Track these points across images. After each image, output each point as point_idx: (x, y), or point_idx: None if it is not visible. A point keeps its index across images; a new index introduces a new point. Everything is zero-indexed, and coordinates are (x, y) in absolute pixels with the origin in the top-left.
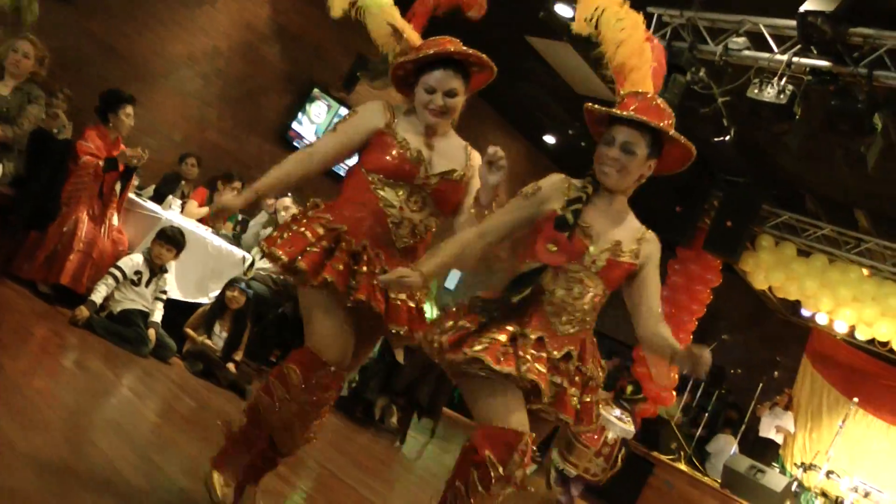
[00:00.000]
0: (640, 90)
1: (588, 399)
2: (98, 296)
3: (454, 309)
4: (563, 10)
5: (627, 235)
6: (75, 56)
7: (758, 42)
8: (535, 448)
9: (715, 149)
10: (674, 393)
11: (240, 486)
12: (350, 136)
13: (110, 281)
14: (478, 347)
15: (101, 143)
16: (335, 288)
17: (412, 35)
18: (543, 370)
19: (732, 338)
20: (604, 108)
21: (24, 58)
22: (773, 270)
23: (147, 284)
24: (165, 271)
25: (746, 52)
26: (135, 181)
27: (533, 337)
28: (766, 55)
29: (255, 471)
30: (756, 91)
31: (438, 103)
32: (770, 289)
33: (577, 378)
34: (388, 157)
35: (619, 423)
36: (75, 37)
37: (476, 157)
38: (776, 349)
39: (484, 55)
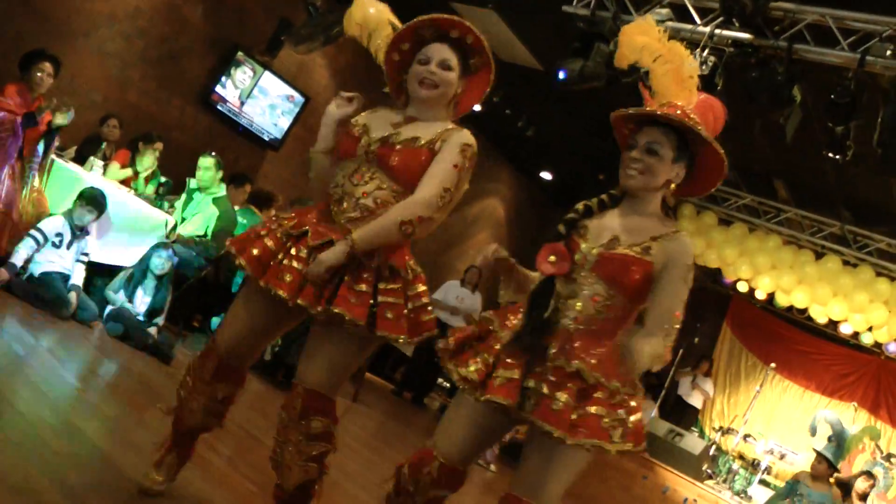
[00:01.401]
0: (672, 101)
1: (594, 410)
2: (18, 258)
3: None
4: None
5: (636, 232)
6: None
7: (681, 13)
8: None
9: None
10: None
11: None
12: None
13: (31, 242)
14: (471, 368)
15: (20, 99)
16: (249, 272)
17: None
18: (516, 376)
19: None
20: (629, 110)
21: None
22: (694, 238)
23: (69, 247)
24: (87, 233)
25: (670, 23)
26: (57, 142)
27: (504, 335)
28: (689, 26)
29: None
30: None
31: (432, 70)
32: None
33: (569, 384)
34: (341, 142)
35: None
36: None
37: (457, 135)
38: (696, 316)
39: (484, 41)
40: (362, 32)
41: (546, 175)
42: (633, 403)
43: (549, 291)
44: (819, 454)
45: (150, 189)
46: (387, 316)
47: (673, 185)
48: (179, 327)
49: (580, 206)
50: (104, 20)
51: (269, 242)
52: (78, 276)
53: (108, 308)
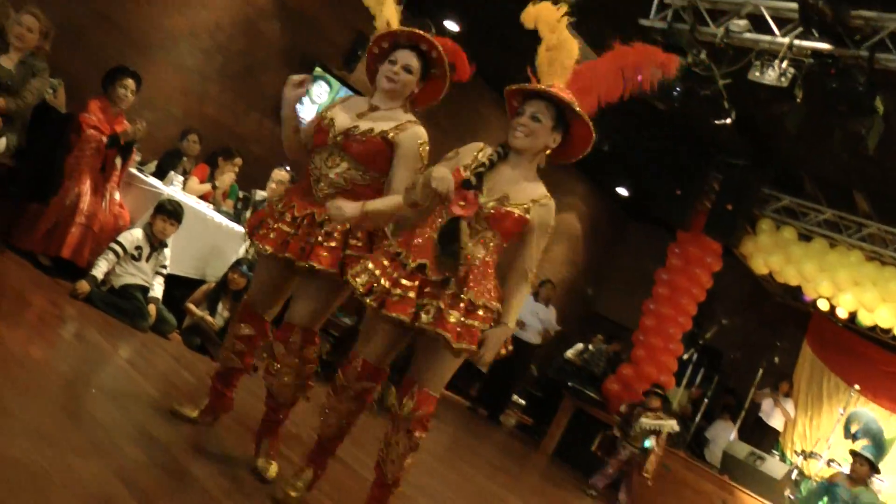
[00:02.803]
0: (554, 81)
1: (473, 323)
2: (99, 270)
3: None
4: None
5: (520, 193)
6: (75, 28)
7: (759, 24)
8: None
9: (715, 131)
10: (672, 378)
11: (258, 437)
12: None
13: (111, 256)
14: (359, 280)
15: (102, 115)
16: (256, 245)
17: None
18: (412, 296)
19: (731, 322)
20: (520, 85)
21: (28, 31)
22: (773, 254)
23: (147, 259)
24: (165, 246)
25: (748, 35)
26: (136, 156)
27: (413, 265)
28: (768, 37)
29: (267, 424)
30: (757, 73)
31: (394, 70)
32: (770, 273)
33: (461, 304)
34: (315, 133)
35: (661, 421)
36: (75, 9)
37: (411, 131)
38: (776, 334)
39: (445, 56)
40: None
41: (622, 190)
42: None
43: (456, 228)
44: (859, 455)
45: (229, 204)
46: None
47: (549, 151)
48: None
49: (486, 160)
50: (184, 35)
51: (269, 220)
52: (157, 289)
53: (187, 321)
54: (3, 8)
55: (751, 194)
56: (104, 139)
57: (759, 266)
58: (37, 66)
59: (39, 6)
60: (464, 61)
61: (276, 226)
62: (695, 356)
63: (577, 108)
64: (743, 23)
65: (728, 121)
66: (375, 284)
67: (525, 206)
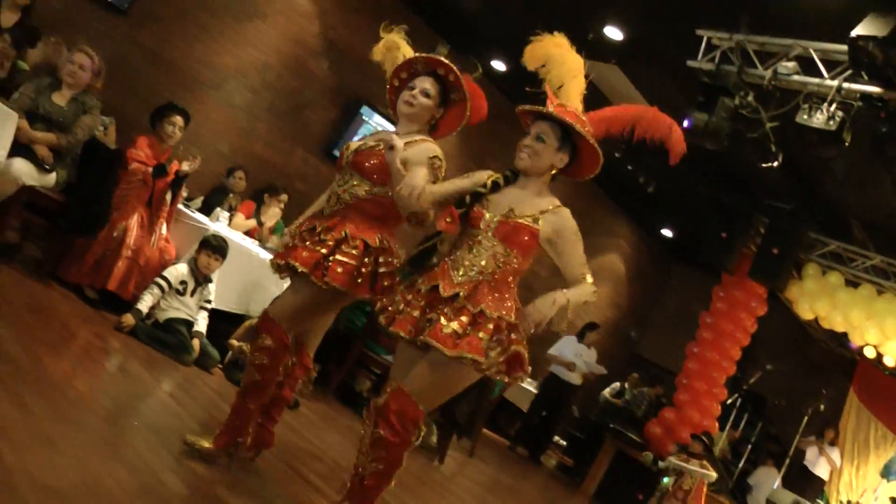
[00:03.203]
0: (565, 102)
1: (478, 334)
2: (144, 304)
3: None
4: (612, 33)
5: (527, 206)
6: (125, 66)
7: (808, 66)
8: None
9: (761, 174)
10: (716, 423)
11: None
12: None
13: (156, 290)
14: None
15: (150, 151)
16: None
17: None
18: (416, 314)
19: (776, 367)
20: (525, 107)
21: (80, 69)
22: (819, 300)
23: (192, 294)
24: (210, 281)
25: (796, 77)
26: (183, 192)
27: (424, 288)
28: (816, 80)
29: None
30: (805, 116)
31: (412, 94)
32: (815, 319)
33: (463, 317)
34: (337, 161)
35: (701, 471)
36: (126, 47)
37: (422, 146)
38: (821, 380)
39: (462, 79)
40: (384, 59)
41: (667, 231)
42: (513, 337)
43: (434, 240)
44: None
45: (274, 240)
46: (337, 270)
47: (555, 170)
48: None
49: (489, 182)
50: (233, 74)
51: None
52: (201, 323)
53: (230, 355)
54: (57, 47)
55: (797, 238)
56: (149, 170)
57: (805, 311)
58: (88, 103)
59: (92, 45)
60: (480, 100)
61: (301, 244)
62: (738, 401)
63: (580, 129)
64: (791, 65)
65: (775, 164)
66: (390, 307)
67: (533, 216)
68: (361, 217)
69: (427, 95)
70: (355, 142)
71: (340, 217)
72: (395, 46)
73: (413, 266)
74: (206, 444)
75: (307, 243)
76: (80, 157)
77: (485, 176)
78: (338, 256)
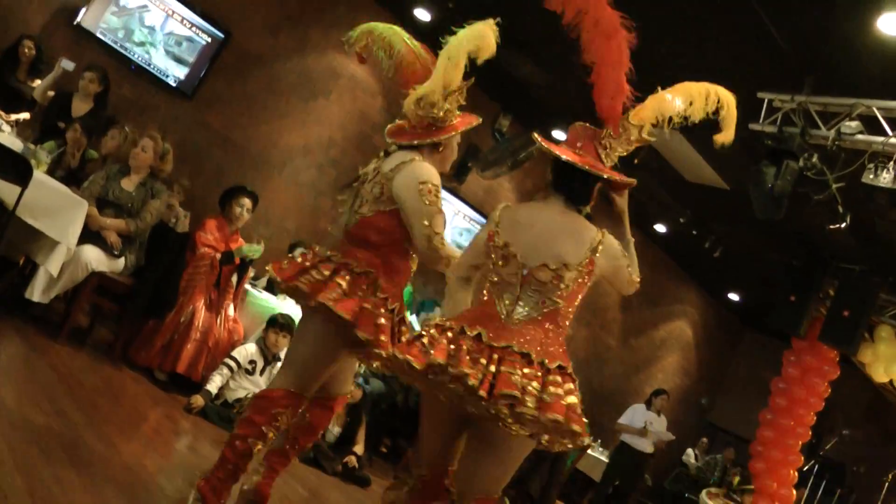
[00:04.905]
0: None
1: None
2: (213, 385)
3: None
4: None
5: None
6: (194, 148)
7: (872, 125)
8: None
9: (830, 236)
10: (793, 491)
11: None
12: None
13: (225, 371)
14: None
15: (218, 234)
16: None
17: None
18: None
19: (852, 433)
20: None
21: (143, 152)
22: (894, 363)
23: (261, 373)
24: (279, 360)
25: (860, 136)
26: (250, 273)
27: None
28: (881, 139)
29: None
30: (871, 176)
31: None
32: (891, 382)
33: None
34: None
35: None
36: (194, 129)
37: (410, 171)
38: None
39: None
40: (371, 39)
41: (734, 296)
42: (567, 385)
43: None
44: None
45: None
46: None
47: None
48: (369, 452)
49: None
50: (299, 152)
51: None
52: None
53: None
54: (131, 136)
55: (868, 300)
56: (218, 256)
57: (879, 374)
58: (156, 187)
59: (160, 130)
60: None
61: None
62: (815, 468)
63: (591, 170)
64: (855, 124)
65: (842, 225)
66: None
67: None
68: None
69: None
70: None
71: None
72: (370, 30)
73: None
74: None
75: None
76: (150, 241)
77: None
78: (316, 277)
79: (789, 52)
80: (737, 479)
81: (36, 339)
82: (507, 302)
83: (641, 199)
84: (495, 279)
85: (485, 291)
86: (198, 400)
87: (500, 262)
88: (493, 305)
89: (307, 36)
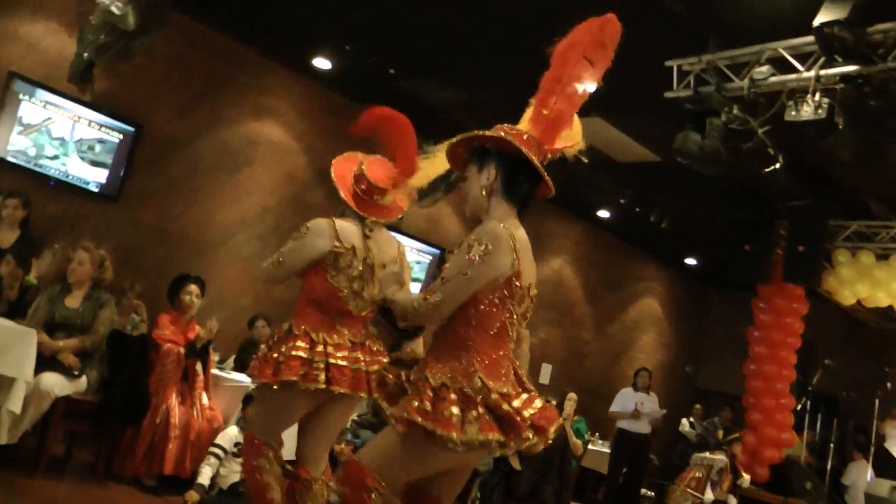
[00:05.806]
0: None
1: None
2: (205, 477)
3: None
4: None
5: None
6: (131, 248)
7: (781, 65)
8: None
9: (769, 180)
10: (794, 433)
11: None
12: None
13: (213, 460)
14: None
15: (174, 327)
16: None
17: None
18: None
19: (835, 361)
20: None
21: (80, 265)
22: (857, 283)
23: None
24: None
25: (773, 79)
26: (214, 357)
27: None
28: (794, 76)
29: None
30: (793, 113)
31: None
32: (859, 301)
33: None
34: None
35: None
36: (128, 230)
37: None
38: (882, 361)
39: None
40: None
41: (692, 261)
42: (452, 396)
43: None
44: None
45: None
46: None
47: (485, 190)
48: None
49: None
50: (237, 227)
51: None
52: None
53: None
54: (63, 253)
55: (820, 231)
56: (181, 350)
57: (846, 297)
58: (101, 297)
59: (93, 238)
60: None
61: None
62: (808, 404)
63: (477, 133)
64: (766, 69)
65: (777, 166)
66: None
67: None
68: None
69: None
70: None
71: None
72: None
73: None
74: None
75: None
76: (108, 351)
77: None
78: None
79: (686, 16)
80: (720, 432)
81: (14, 482)
82: (513, 337)
83: (580, 189)
84: (507, 316)
85: (491, 329)
86: (193, 496)
87: (515, 302)
88: (506, 345)
89: (218, 110)
